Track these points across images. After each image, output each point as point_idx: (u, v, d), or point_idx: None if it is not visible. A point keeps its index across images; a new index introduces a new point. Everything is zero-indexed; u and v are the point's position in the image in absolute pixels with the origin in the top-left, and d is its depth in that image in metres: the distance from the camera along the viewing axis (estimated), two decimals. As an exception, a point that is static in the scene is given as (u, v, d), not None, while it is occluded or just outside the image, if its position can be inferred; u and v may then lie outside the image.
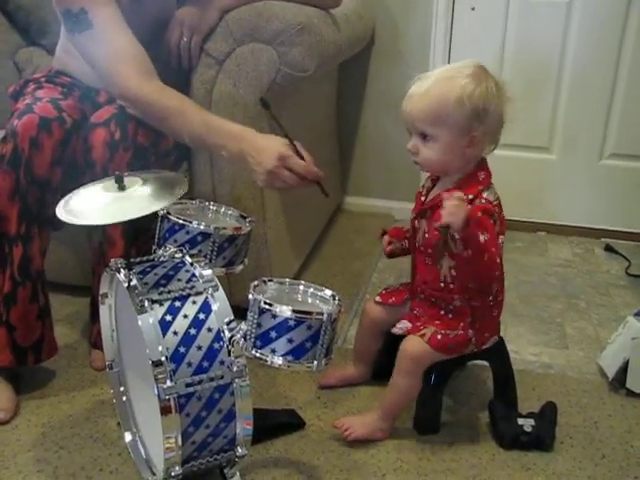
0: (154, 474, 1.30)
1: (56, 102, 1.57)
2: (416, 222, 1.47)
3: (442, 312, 1.45)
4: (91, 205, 1.20)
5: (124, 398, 1.41)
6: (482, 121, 1.34)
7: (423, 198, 1.47)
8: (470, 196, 1.35)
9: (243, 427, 1.21)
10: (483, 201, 1.36)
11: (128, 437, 1.39)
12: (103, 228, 1.56)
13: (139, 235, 1.53)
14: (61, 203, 1.21)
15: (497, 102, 1.35)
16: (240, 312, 1.23)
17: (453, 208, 1.21)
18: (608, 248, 2.52)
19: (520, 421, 1.47)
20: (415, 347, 1.42)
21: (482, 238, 1.25)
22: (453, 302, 1.43)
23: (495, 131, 1.39)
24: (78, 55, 1.55)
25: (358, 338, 1.65)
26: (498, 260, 1.32)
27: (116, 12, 1.49)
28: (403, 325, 1.47)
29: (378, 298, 1.58)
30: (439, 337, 1.41)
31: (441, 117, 1.33)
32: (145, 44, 1.52)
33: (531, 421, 1.47)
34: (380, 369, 1.59)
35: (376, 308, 1.58)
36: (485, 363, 1.60)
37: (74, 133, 1.55)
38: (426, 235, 1.43)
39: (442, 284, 1.43)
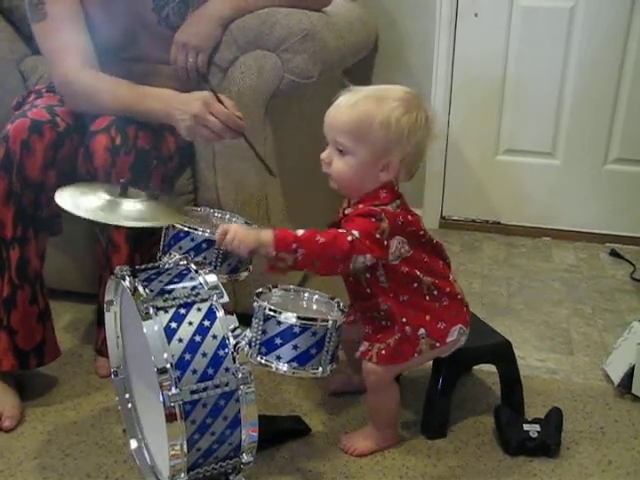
0: (159, 481, 1.30)
1: (51, 108, 1.58)
2: None
3: (382, 322, 1.41)
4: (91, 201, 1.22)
5: (129, 405, 1.41)
6: (403, 148, 1.31)
7: (340, 215, 1.43)
8: (360, 206, 1.33)
9: (248, 434, 1.20)
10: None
11: (134, 444, 1.39)
12: (108, 233, 1.56)
13: (143, 240, 1.53)
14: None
15: (423, 134, 1.32)
16: (245, 319, 1.23)
17: (228, 239, 1.26)
18: (613, 253, 2.52)
19: (526, 427, 1.46)
20: (370, 369, 1.40)
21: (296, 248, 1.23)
22: (380, 307, 1.39)
23: (413, 162, 1.35)
24: None
25: (345, 353, 1.59)
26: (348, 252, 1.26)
27: (72, 7, 1.57)
28: (362, 348, 1.43)
29: None
30: (383, 352, 1.38)
31: (362, 133, 1.30)
32: (120, 46, 1.62)
33: (537, 427, 1.46)
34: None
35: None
36: (491, 369, 1.60)
37: (67, 137, 1.55)
38: None
39: (367, 290, 1.39)
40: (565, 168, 2.62)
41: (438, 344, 1.41)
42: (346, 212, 1.38)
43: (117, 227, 1.53)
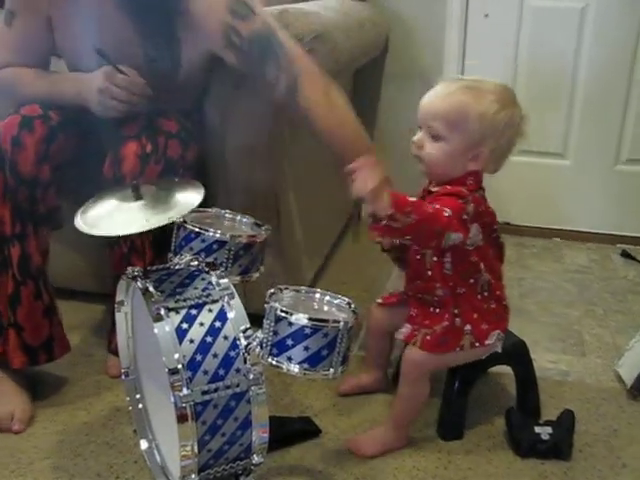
0: (170, 482, 1.30)
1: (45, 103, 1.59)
2: None
3: (430, 309, 1.43)
4: (110, 215, 1.22)
5: (140, 406, 1.41)
6: (496, 141, 1.34)
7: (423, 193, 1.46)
8: (448, 187, 1.35)
9: (259, 435, 1.20)
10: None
11: (144, 445, 1.39)
12: (131, 237, 1.56)
13: (164, 245, 1.53)
14: (78, 213, 1.23)
15: (515, 131, 1.36)
16: (256, 320, 1.23)
17: (362, 181, 1.23)
18: (624, 254, 2.51)
19: (537, 429, 1.46)
20: (413, 355, 1.42)
21: (413, 217, 1.23)
22: (436, 291, 1.42)
23: (501, 156, 1.39)
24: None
25: (367, 343, 1.65)
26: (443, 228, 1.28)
27: (37, 22, 1.59)
28: (404, 330, 1.46)
29: (380, 300, 1.60)
30: (428, 338, 1.40)
31: (458, 123, 1.33)
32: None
33: (548, 429, 1.45)
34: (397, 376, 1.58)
35: (378, 310, 1.59)
36: (504, 370, 1.60)
37: (61, 130, 1.55)
38: None
39: (429, 272, 1.42)
40: (576, 169, 2.61)
41: (478, 344, 1.42)
42: (432, 190, 1.39)
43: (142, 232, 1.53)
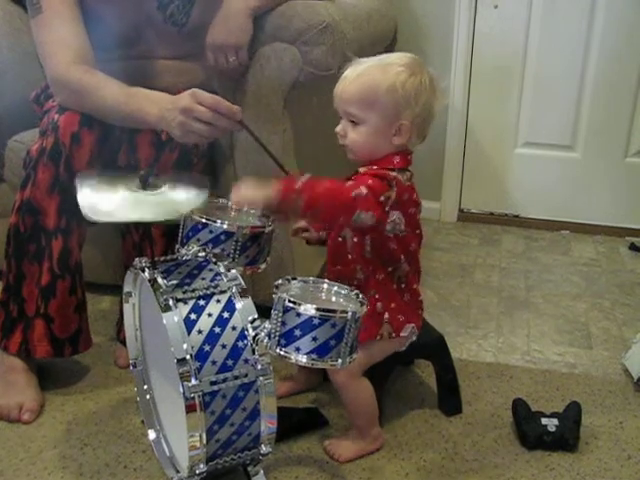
0: (178, 472, 1.30)
1: None
2: None
3: None
4: (116, 203, 1.23)
5: (148, 396, 1.42)
6: (412, 110, 1.33)
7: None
8: (374, 167, 1.34)
9: (267, 425, 1.21)
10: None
11: (152, 435, 1.39)
12: (144, 228, 1.56)
13: (176, 234, 1.53)
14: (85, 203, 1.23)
15: (429, 95, 1.34)
16: (263, 310, 1.23)
17: (241, 195, 1.24)
18: (633, 247, 2.50)
19: (544, 421, 1.46)
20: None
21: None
22: (356, 274, 1.39)
23: (423, 123, 1.36)
24: None
25: None
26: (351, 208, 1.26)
27: (67, 1, 1.52)
28: None
29: None
30: None
31: (371, 101, 1.32)
32: (126, 43, 1.59)
33: (555, 421, 1.46)
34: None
35: None
36: (511, 362, 1.59)
37: (112, 131, 1.54)
38: None
39: (349, 255, 1.39)
40: (585, 161, 2.61)
41: (394, 334, 1.41)
42: (360, 170, 1.37)
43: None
